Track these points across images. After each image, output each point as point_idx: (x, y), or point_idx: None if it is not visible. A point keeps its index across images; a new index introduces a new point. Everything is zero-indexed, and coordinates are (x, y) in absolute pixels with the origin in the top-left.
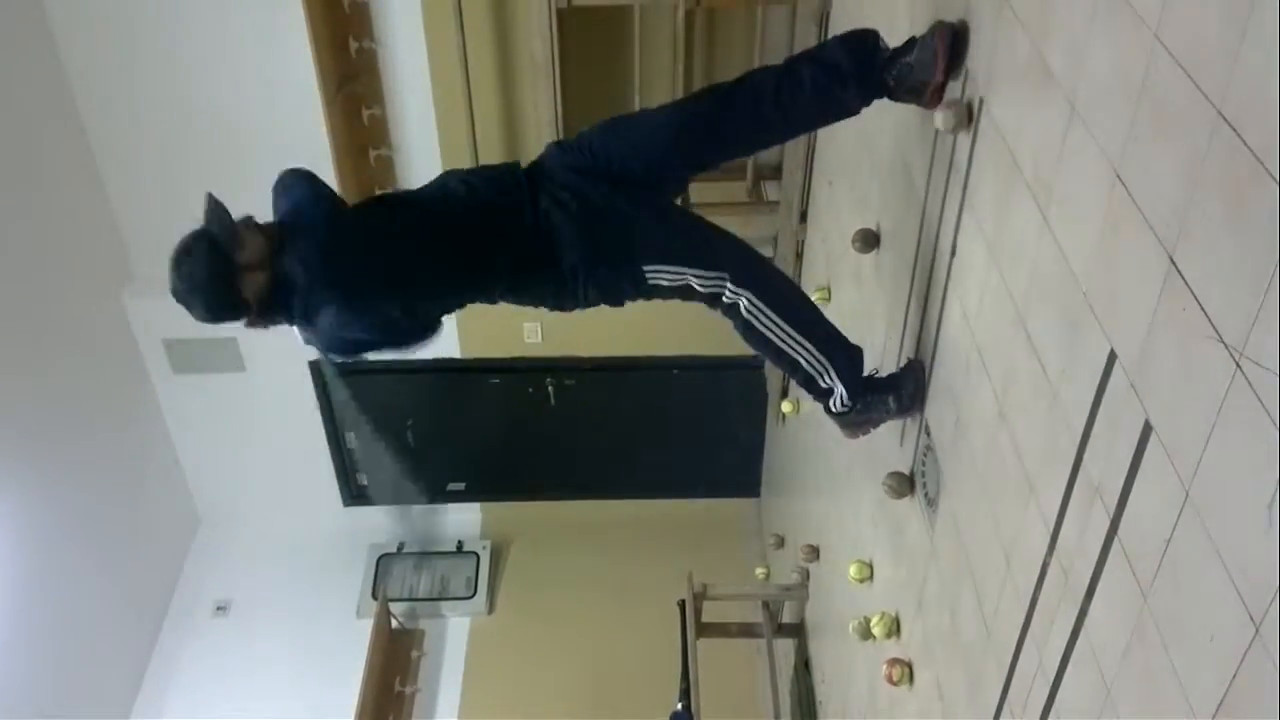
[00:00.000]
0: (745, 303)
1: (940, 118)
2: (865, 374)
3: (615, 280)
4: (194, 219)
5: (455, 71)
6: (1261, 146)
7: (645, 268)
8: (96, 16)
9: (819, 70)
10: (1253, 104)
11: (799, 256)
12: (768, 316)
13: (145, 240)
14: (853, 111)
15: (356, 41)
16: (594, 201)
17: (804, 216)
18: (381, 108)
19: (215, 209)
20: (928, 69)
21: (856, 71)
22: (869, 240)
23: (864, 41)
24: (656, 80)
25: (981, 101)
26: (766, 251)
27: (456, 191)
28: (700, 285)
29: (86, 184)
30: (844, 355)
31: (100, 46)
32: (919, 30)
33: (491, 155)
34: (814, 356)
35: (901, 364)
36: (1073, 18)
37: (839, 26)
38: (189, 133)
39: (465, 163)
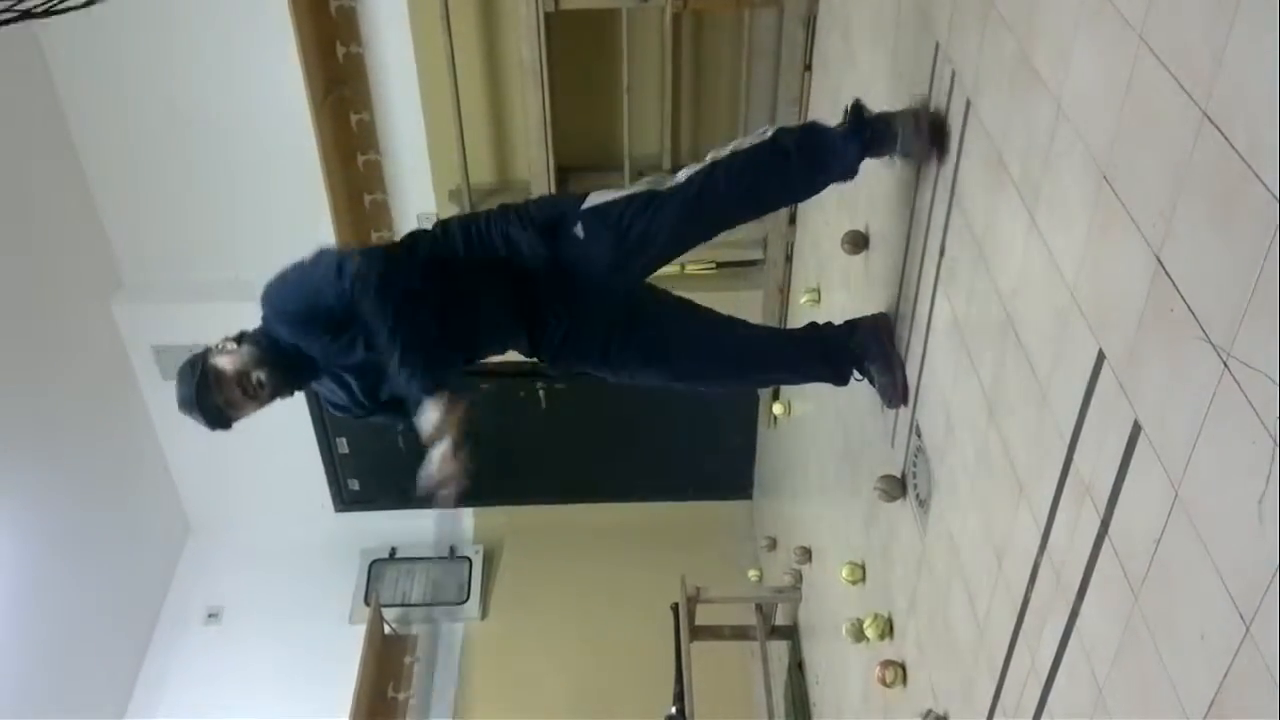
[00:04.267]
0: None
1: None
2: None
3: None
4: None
5: (443, 75)
6: (1246, 146)
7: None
8: (84, 25)
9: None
10: (1237, 104)
11: (788, 259)
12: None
13: (134, 247)
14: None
15: (344, 46)
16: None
17: (793, 219)
18: (370, 112)
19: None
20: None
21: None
22: (858, 242)
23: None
24: (645, 83)
25: (969, 103)
26: (756, 254)
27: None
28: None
29: (74, 191)
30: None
31: (87, 53)
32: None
33: (480, 159)
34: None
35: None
36: (1058, 19)
37: (825, 29)
38: (176, 139)
39: (454, 168)
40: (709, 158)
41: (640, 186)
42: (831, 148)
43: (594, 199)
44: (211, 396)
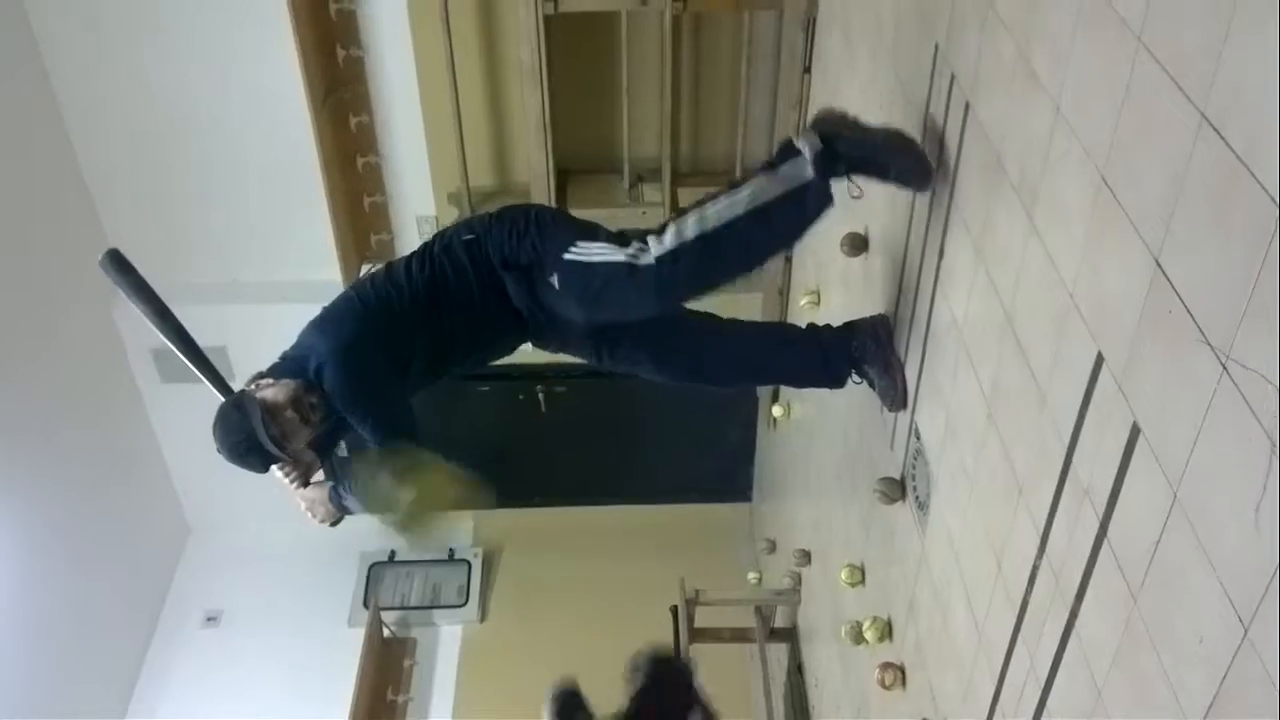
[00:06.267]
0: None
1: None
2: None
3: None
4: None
5: (443, 78)
6: (1245, 148)
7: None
8: (81, 26)
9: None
10: (1235, 107)
11: (787, 261)
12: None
13: (133, 249)
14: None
15: (343, 49)
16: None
17: None
18: (369, 115)
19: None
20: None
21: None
22: (857, 244)
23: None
24: (644, 85)
25: (968, 105)
26: None
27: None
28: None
29: (73, 194)
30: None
31: (86, 56)
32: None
33: (479, 162)
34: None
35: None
36: (1057, 21)
37: (825, 31)
38: (176, 141)
39: (454, 171)
40: (671, 234)
41: (619, 254)
42: (800, 210)
43: (577, 250)
44: (269, 430)
